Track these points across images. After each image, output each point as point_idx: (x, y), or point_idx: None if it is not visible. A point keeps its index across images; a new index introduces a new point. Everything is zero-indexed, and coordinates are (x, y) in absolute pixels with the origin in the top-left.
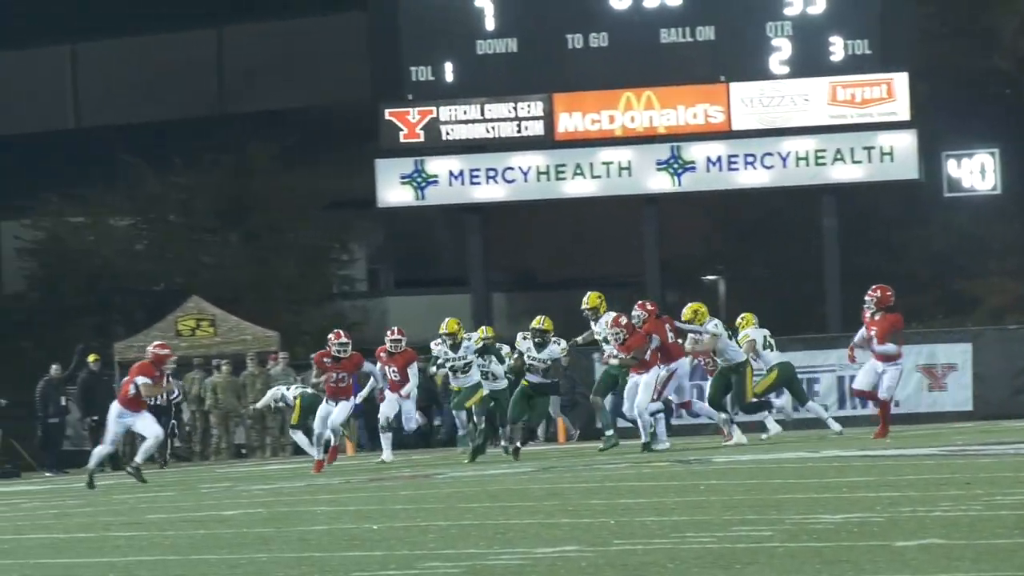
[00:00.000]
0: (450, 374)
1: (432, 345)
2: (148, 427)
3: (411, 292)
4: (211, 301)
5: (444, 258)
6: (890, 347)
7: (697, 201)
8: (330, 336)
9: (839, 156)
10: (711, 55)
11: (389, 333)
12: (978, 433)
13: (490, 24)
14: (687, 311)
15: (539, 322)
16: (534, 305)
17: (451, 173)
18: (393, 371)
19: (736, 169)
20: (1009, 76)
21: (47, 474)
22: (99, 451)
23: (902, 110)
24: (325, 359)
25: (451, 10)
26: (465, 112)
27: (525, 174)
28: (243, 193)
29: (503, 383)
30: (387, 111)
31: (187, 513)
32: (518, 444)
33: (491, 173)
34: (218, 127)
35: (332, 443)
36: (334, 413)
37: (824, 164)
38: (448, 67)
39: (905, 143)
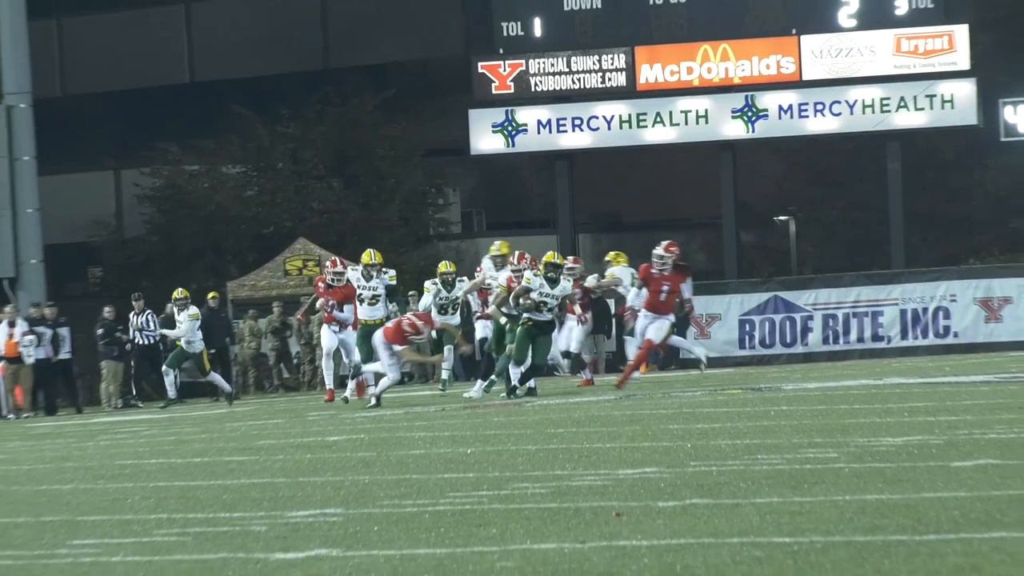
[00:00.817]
0: (438, 312)
1: (427, 284)
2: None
3: (502, 234)
4: (317, 243)
5: (532, 202)
6: None
7: (770, 147)
8: (327, 263)
9: (903, 104)
10: (783, 9)
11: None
12: None
13: None
14: (610, 254)
15: (553, 256)
16: (617, 245)
17: (539, 122)
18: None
19: (806, 117)
20: None
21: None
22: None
23: (962, 60)
24: (320, 284)
25: None
26: (552, 64)
27: (609, 122)
28: (347, 142)
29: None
30: (480, 64)
31: (295, 439)
32: (516, 385)
33: (577, 122)
34: (323, 80)
35: (360, 378)
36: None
37: (888, 111)
38: (536, 22)
39: (965, 91)
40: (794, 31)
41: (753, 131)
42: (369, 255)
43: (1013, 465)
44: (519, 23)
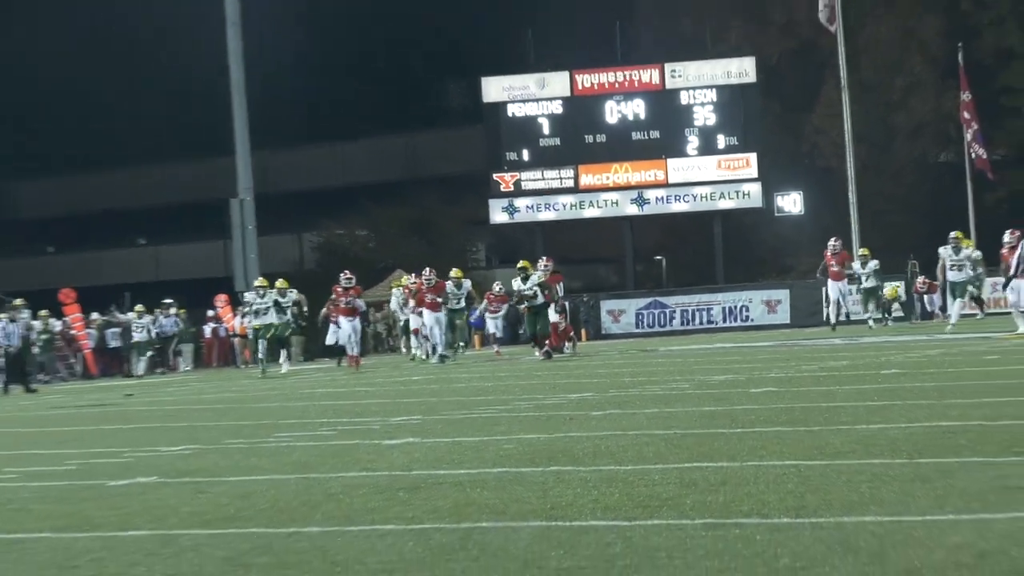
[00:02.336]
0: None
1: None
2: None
3: (507, 267)
4: (406, 271)
5: (523, 248)
6: None
7: (650, 219)
8: (341, 275)
9: (722, 195)
10: (658, 145)
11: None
12: None
13: (546, 130)
14: (523, 262)
15: (520, 263)
16: (564, 267)
17: (526, 206)
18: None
19: (670, 203)
20: (811, 154)
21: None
22: None
23: (753, 172)
24: (338, 288)
25: (526, 123)
26: (533, 175)
27: (564, 206)
28: (422, 218)
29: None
30: (495, 175)
31: (394, 379)
32: (546, 349)
33: (546, 205)
34: (408, 185)
35: (353, 352)
36: (346, 327)
37: (715, 200)
38: (525, 152)
39: (755, 189)
40: (663, 156)
41: (642, 210)
42: (458, 272)
43: (786, 391)
44: (515, 152)
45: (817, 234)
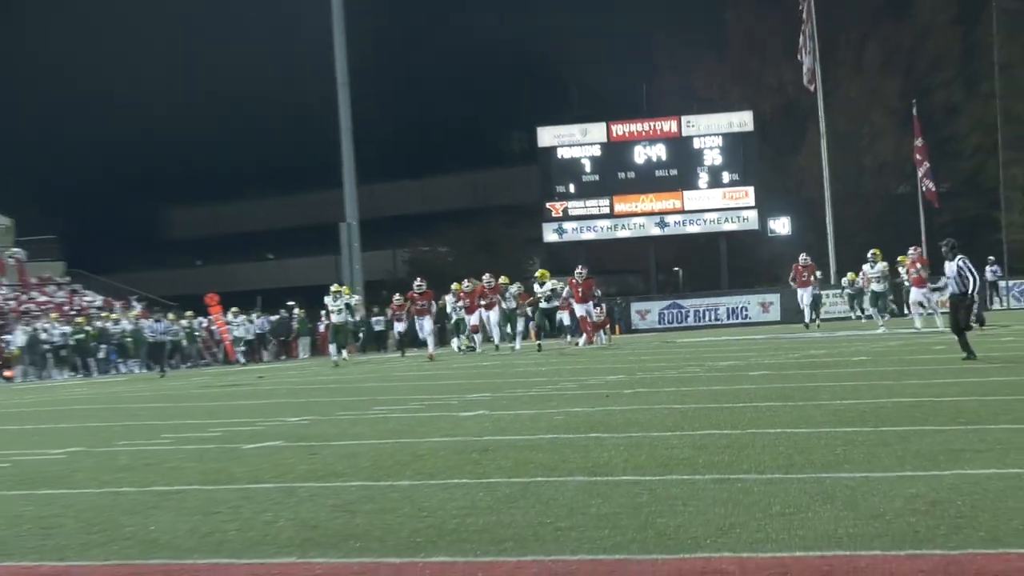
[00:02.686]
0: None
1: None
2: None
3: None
4: (476, 279)
5: (571, 262)
6: None
7: (670, 239)
8: (414, 282)
9: (726, 220)
10: (676, 180)
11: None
12: None
13: (588, 168)
14: (541, 271)
15: (538, 272)
16: (603, 278)
17: (572, 228)
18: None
19: (686, 225)
20: (797, 187)
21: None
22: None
23: (751, 201)
24: (412, 293)
25: (572, 163)
26: (578, 204)
27: (602, 228)
28: (488, 240)
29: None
30: (547, 204)
31: (465, 365)
32: (540, 344)
33: (588, 228)
34: (480, 213)
35: (431, 347)
36: (428, 326)
37: (720, 223)
38: (571, 186)
39: (753, 215)
40: (680, 189)
41: (663, 232)
42: (506, 279)
43: (776, 374)
44: (564, 186)
45: (802, 250)
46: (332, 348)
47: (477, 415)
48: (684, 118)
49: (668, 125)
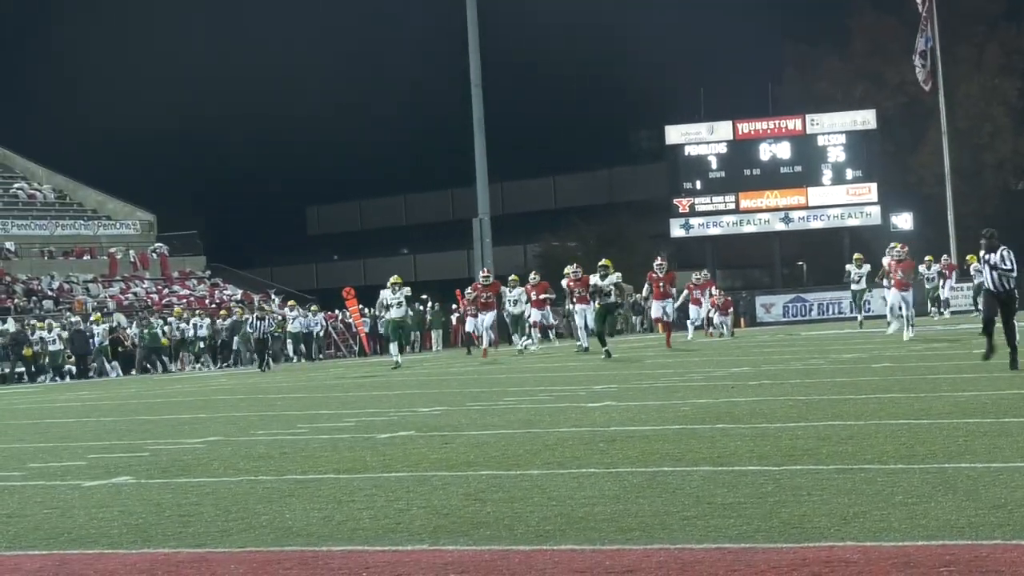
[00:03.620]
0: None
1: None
2: None
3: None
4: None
5: (695, 256)
6: None
7: (794, 235)
8: (479, 272)
9: (849, 215)
10: (800, 177)
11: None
12: None
13: (714, 166)
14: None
15: (603, 261)
16: (728, 272)
17: (699, 223)
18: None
19: (810, 221)
20: (918, 184)
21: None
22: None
23: (874, 197)
24: (477, 286)
25: (699, 160)
26: (704, 200)
27: (728, 224)
28: (614, 235)
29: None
30: (674, 200)
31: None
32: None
33: (714, 223)
34: (609, 209)
35: (489, 342)
36: (486, 320)
37: (844, 219)
38: (698, 182)
39: (876, 210)
40: (804, 185)
41: (788, 227)
42: (607, 261)
43: (899, 366)
44: (691, 183)
45: (922, 245)
46: (393, 347)
47: (604, 406)
48: (808, 117)
49: (793, 123)
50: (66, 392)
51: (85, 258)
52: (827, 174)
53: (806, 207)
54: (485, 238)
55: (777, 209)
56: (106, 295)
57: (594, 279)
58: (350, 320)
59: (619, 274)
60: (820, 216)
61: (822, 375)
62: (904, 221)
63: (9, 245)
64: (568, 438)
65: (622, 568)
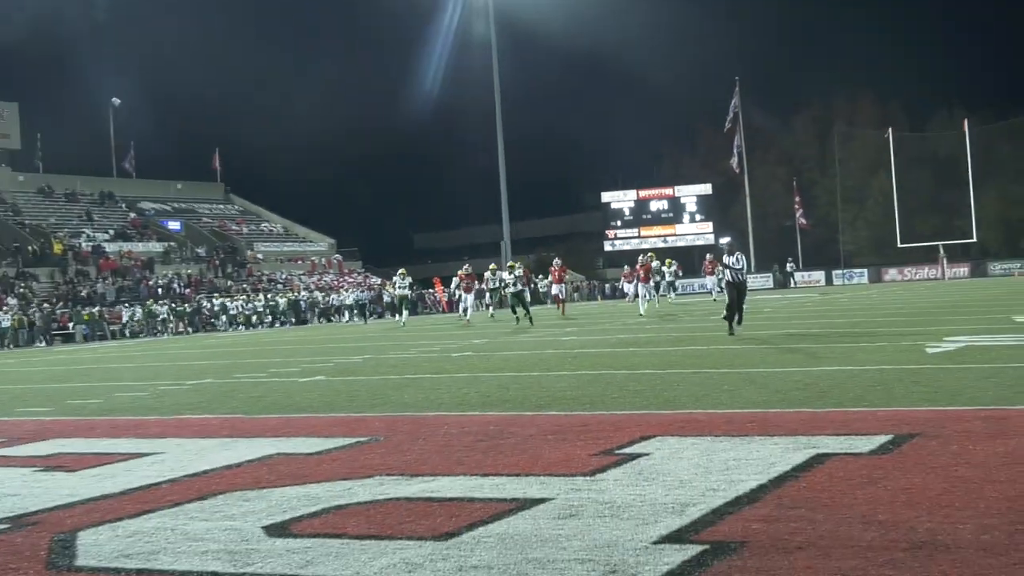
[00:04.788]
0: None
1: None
2: None
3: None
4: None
5: None
6: None
7: (669, 249)
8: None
9: (696, 239)
10: (672, 218)
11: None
12: None
13: (626, 213)
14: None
15: (509, 262)
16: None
17: (619, 244)
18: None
19: (677, 241)
20: None
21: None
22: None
23: (710, 229)
24: (461, 275)
25: (619, 210)
26: (623, 232)
27: (635, 243)
28: None
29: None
30: (606, 231)
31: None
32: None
33: (626, 244)
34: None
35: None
36: (469, 298)
37: (694, 240)
38: (618, 222)
39: (711, 236)
40: (674, 223)
41: (665, 244)
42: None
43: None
44: (615, 221)
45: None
46: (405, 314)
47: (570, 339)
48: (676, 187)
49: (668, 190)
50: (284, 333)
51: (298, 262)
52: (686, 217)
53: (675, 235)
54: (507, 251)
55: (660, 236)
56: (310, 282)
57: (504, 274)
58: (436, 293)
59: (521, 267)
60: (682, 240)
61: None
62: (725, 242)
63: (259, 256)
64: (552, 356)
65: (581, 424)
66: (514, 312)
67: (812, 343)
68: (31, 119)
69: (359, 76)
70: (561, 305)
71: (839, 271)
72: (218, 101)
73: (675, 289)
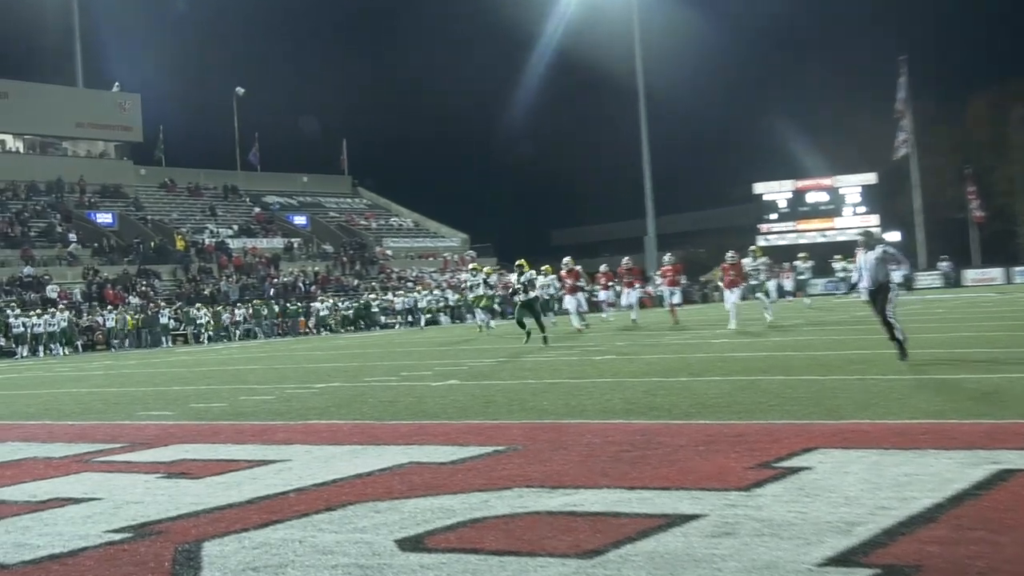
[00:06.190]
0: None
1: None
2: None
3: None
4: None
5: None
6: None
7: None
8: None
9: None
10: (831, 211)
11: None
12: None
13: (782, 204)
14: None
15: (518, 261)
16: None
17: (773, 239)
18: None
19: (837, 236)
20: None
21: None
22: None
23: (876, 222)
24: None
25: (771, 202)
26: (777, 226)
27: (790, 238)
28: None
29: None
30: (758, 225)
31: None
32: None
33: (781, 239)
34: None
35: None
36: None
37: (854, 235)
38: (772, 215)
39: (877, 230)
40: (832, 216)
41: (824, 239)
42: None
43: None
44: (767, 214)
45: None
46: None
47: (721, 342)
48: (834, 177)
49: (827, 180)
50: (412, 334)
51: (430, 259)
52: (847, 210)
53: (835, 228)
54: (652, 248)
55: (818, 229)
56: (441, 280)
57: (512, 277)
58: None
59: (532, 272)
60: (843, 235)
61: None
62: (892, 236)
63: (388, 252)
64: (701, 360)
65: (735, 434)
66: (521, 326)
67: (990, 347)
68: (153, 111)
69: (492, 62)
70: (674, 312)
71: (1020, 268)
72: (344, 91)
73: (806, 289)
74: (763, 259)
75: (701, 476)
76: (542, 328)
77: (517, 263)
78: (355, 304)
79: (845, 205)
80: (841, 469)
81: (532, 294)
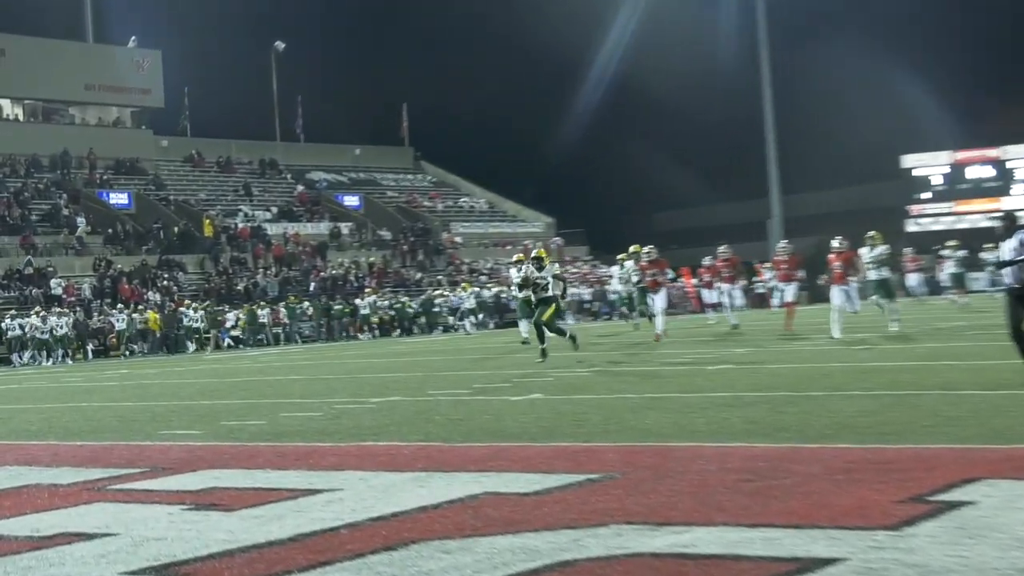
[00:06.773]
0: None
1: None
2: None
3: None
4: None
5: None
6: None
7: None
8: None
9: None
10: (998, 189)
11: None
12: None
13: (936, 181)
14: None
15: (535, 252)
16: None
17: (925, 222)
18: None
19: None
20: None
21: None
22: None
23: None
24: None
25: (924, 179)
26: (930, 207)
27: (947, 222)
28: None
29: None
30: (906, 206)
31: None
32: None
33: (936, 222)
34: None
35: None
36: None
37: None
38: (923, 195)
39: None
40: (999, 196)
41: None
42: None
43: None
44: (918, 193)
45: None
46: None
47: (864, 349)
48: (1003, 148)
49: (993, 153)
50: (487, 338)
51: (507, 247)
52: (1017, 187)
53: (1001, 211)
54: (777, 232)
55: (981, 212)
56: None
57: (528, 269)
58: (686, 288)
59: (557, 264)
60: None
61: None
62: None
63: (458, 239)
64: (837, 371)
65: (881, 461)
66: (539, 332)
67: None
68: (176, 71)
69: (584, 15)
70: (790, 313)
71: None
72: (405, 46)
73: (962, 283)
74: (882, 248)
75: (839, 512)
76: (541, 338)
77: (534, 255)
78: (400, 303)
79: (1014, 182)
80: (1011, 504)
81: (551, 292)
